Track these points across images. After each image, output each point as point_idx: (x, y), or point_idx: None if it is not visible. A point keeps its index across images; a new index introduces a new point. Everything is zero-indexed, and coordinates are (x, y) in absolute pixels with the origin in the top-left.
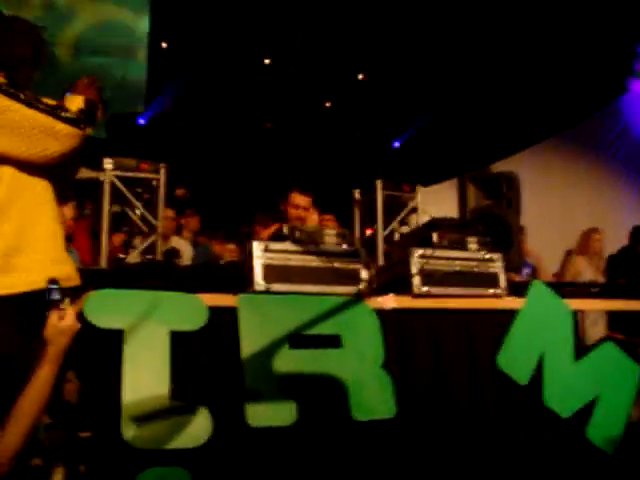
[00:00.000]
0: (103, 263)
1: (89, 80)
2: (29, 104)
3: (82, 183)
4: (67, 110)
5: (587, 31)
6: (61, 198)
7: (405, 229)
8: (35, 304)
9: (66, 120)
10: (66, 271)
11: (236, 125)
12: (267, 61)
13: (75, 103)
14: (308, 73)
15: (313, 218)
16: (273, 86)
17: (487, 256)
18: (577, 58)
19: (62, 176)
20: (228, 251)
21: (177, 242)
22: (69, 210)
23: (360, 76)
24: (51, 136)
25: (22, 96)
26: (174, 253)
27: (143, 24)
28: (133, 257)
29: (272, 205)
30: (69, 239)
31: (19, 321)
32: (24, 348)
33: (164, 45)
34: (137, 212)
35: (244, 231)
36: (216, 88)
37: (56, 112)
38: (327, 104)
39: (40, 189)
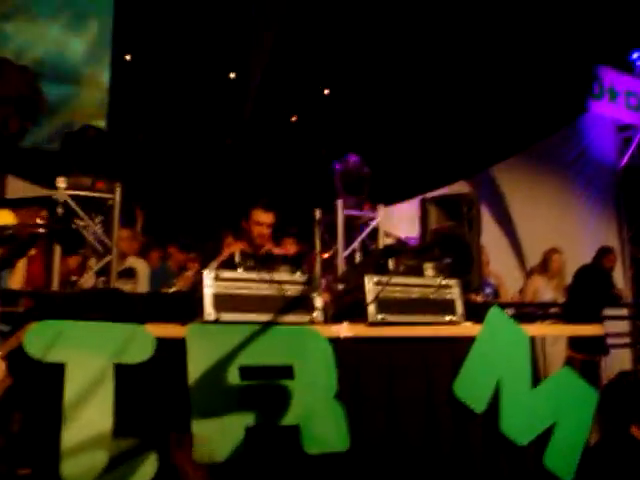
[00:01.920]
0: (55, 286)
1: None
2: None
3: (36, 200)
4: None
5: (549, 53)
6: None
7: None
8: None
9: None
10: None
11: (199, 140)
12: (232, 75)
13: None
14: (274, 88)
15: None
16: (238, 100)
17: (444, 282)
18: (538, 79)
19: None
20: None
21: (134, 262)
22: None
23: (326, 91)
24: None
25: None
26: (129, 273)
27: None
28: (87, 279)
29: (234, 222)
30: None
31: None
32: None
33: (128, 58)
34: (92, 232)
35: (209, 247)
36: (179, 101)
37: None
38: (293, 118)
39: None
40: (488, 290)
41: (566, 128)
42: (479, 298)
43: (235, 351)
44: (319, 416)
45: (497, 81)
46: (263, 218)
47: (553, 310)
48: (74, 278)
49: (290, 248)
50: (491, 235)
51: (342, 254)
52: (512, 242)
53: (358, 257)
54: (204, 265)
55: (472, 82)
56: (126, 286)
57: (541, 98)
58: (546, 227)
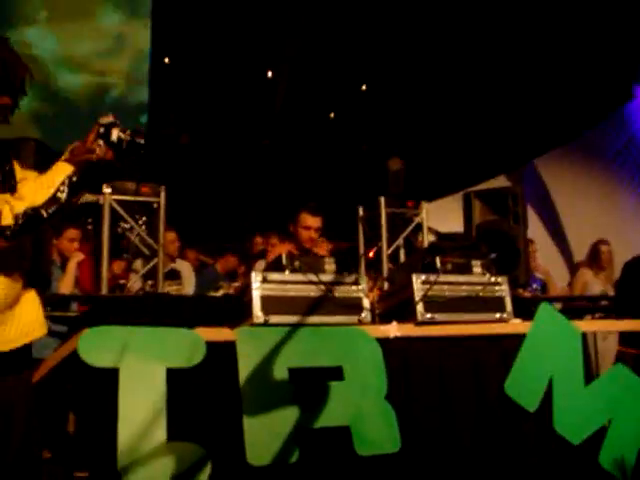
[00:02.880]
0: (104, 290)
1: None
2: None
3: (83, 206)
4: None
5: (592, 39)
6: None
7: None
8: None
9: None
10: (17, 331)
11: (240, 140)
12: (270, 74)
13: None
14: (310, 84)
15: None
16: (275, 99)
17: (492, 279)
18: (582, 66)
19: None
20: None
21: (179, 264)
22: (74, 233)
23: (363, 87)
24: None
25: None
26: (174, 275)
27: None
28: (134, 282)
29: (278, 222)
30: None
31: None
32: None
33: (167, 60)
34: (137, 235)
35: (247, 247)
36: (218, 102)
37: None
38: (331, 115)
39: None
40: (535, 285)
41: (611, 116)
42: (527, 293)
43: (284, 353)
44: (370, 417)
45: (539, 71)
46: (311, 222)
47: (603, 303)
48: (122, 282)
49: (322, 247)
50: (535, 229)
51: (386, 251)
52: (557, 236)
53: (402, 254)
54: (249, 267)
55: (514, 73)
56: (171, 287)
57: (585, 86)
58: (592, 219)
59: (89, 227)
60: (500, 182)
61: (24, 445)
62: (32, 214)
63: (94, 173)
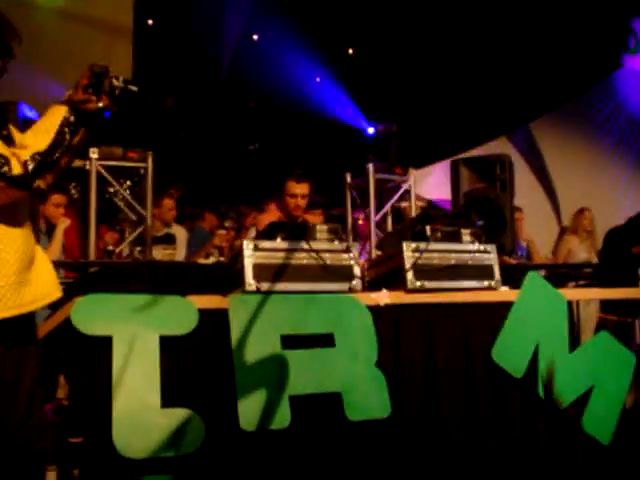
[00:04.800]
0: (92, 256)
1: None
2: None
3: (68, 170)
4: (8, 165)
5: (581, 7)
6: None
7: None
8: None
9: (4, 179)
10: (37, 292)
11: (221, 107)
12: (255, 37)
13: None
14: (295, 48)
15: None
16: (259, 64)
17: (481, 247)
18: (570, 34)
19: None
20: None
21: (175, 229)
22: (60, 198)
23: (350, 51)
24: None
25: None
26: (169, 239)
27: None
28: (123, 247)
29: (267, 190)
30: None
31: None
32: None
33: (150, 22)
34: (122, 199)
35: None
36: (200, 68)
37: None
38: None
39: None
40: (520, 252)
41: (600, 84)
42: (512, 261)
43: (276, 320)
44: (360, 383)
45: (530, 37)
46: (296, 190)
47: (587, 271)
48: (110, 248)
49: (316, 219)
50: (530, 190)
51: (373, 218)
52: (550, 198)
53: (390, 221)
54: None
55: (505, 37)
56: (166, 251)
57: (575, 54)
58: (581, 185)
59: (73, 192)
60: (499, 145)
61: (29, 418)
62: (39, 159)
63: (93, 116)
